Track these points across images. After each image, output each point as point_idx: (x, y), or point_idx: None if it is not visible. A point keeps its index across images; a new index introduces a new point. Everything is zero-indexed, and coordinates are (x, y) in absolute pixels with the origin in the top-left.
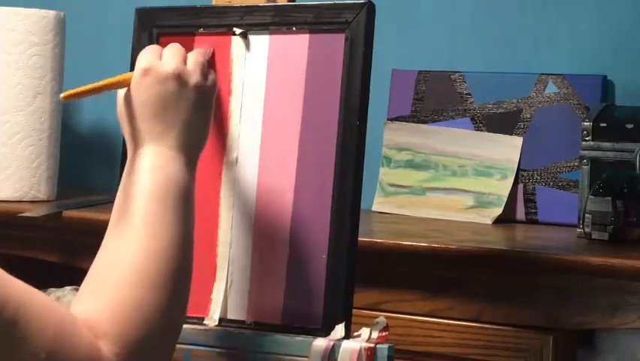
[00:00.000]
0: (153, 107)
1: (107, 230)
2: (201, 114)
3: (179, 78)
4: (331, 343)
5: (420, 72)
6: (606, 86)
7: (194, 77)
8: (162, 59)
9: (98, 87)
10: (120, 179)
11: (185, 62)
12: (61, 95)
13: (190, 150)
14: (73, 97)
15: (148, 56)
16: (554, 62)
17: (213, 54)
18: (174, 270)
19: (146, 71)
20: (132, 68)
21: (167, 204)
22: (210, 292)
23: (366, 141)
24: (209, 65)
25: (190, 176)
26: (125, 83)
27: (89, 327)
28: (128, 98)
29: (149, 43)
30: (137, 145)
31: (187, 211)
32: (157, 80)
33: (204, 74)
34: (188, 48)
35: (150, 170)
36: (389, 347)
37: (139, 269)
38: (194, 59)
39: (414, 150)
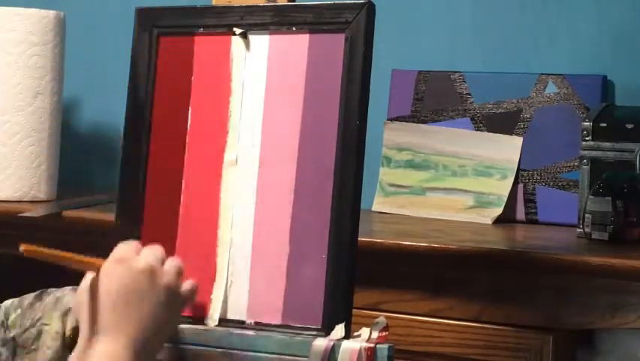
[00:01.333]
0: (117, 298)
1: None
2: (166, 317)
3: (151, 275)
4: (331, 343)
5: (420, 72)
6: (606, 86)
7: (166, 278)
8: (139, 255)
9: (64, 257)
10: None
11: (162, 262)
12: (23, 248)
13: (142, 349)
14: (35, 254)
15: (125, 247)
16: (554, 62)
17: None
18: None
19: (120, 261)
20: (132, 69)
21: None
22: (210, 292)
23: (366, 141)
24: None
25: None
26: (93, 268)
27: None
28: (94, 285)
29: (149, 44)
30: (91, 334)
31: None
32: (128, 271)
33: (179, 278)
34: (189, 48)
35: None
36: (389, 347)
37: None
38: (174, 262)
39: (414, 150)
